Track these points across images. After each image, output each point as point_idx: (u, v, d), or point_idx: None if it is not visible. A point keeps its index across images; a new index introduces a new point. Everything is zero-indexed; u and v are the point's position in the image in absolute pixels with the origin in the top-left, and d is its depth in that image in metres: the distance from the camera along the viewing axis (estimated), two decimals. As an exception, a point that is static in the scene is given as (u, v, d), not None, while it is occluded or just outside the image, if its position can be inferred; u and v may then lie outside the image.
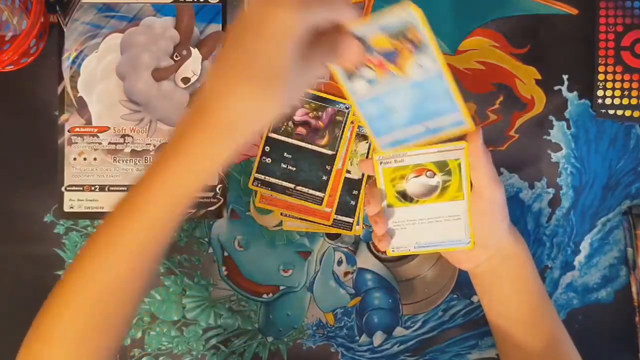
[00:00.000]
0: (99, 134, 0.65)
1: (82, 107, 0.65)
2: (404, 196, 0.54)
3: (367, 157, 0.64)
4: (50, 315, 0.51)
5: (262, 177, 0.64)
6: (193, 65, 0.65)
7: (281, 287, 0.66)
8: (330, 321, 0.66)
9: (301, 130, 0.64)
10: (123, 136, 0.65)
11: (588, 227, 0.65)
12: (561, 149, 0.65)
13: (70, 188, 0.65)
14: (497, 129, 0.65)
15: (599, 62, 0.63)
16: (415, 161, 0.53)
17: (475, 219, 0.54)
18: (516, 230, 0.58)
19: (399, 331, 0.65)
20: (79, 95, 0.65)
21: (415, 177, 0.54)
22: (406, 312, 0.66)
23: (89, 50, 0.65)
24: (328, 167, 0.64)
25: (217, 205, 0.65)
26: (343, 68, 0.47)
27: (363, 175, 0.64)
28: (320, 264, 0.65)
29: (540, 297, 0.59)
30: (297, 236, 0.65)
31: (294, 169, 0.64)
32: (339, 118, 0.64)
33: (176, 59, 0.65)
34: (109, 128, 0.65)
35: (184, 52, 0.65)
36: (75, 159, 0.65)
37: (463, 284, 0.65)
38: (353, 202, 0.64)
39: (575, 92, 0.65)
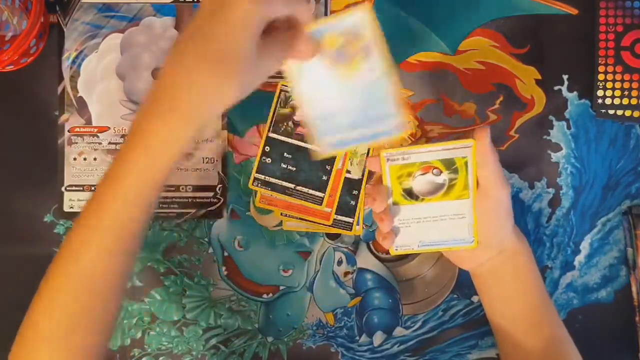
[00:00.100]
0: (99, 134, 0.65)
1: (82, 107, 0.65)
2: (410, 194, 0.54)
3: (367, 157, 0.64)
4: (35, 318, 0.51)
5: (262, 177, 0.64)
6: (193, 65, 0.65)
7: (281, 287, 0.66)
8: (330, 321, 0.66)
9: (301, 130, 0.64)
10: (123, 136, 0.65)
11: (588, 227, 0.65)
12: (561, 149, 0.65)
13: (70, 188, 0.65)
14: (497, 129, 0.65)
15: (599, 62, 0.63)
16: (422, 159, 0.53)
17: (480, 218, 0.54)
18: (519, 230, 0.58)
19: (399, 331, 0.65)
20: (79, 95, 0.65)
21: (422, 174, 0.53)
22: (406, 312, 0.66)
23: (89, 50, 0.65)
24: (328, 167, 0.64)
25: (217, 205, 0.65)
26: (295, 65, 0.48)
27: (363, 175, 0.64)
28: (320, 264, 0.65)
29: (541, 297, 0.59)
30: (297, 236, 0.65)
31: (294, 169, 0.64)
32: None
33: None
34: (109, 128, 0.65)
35: (184, 52, 0.65)
36: (75, 159, 0.65)
37: (463, 284, 0.65)
38: (353, 202, 0.64)
39: (575, 92, 0.65)
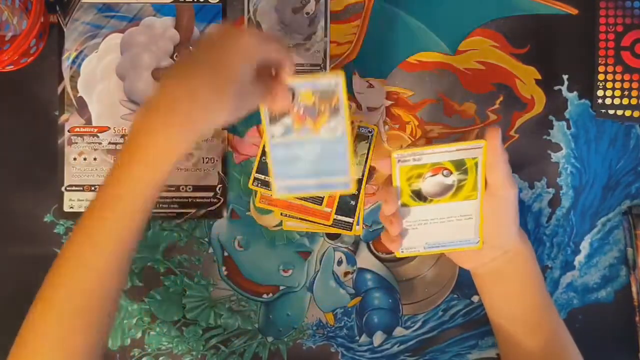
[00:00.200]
0: (99, 134, 0.65)
1: (82, 107, 0.65)
2: (418, 195, 0.54)
3: (366, 157, 0.64)
4: (34, 319, 0.52)
5: (262, 177, 0.64)
6: (193, 65, 0.65)
7: (281, 287, 0.66)
8: (330, 321, 0.66)
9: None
10: (123, 136, 0.65)
11: (588, 227, 0.65)
12: (561, 149, 0.65)
13: (70, 188, 0.65)
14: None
15: (599, 62, 0.63)
16: (433, 160, 0.53)
17: (487, 219, 0.54)
18: (522, 231, 0.58)
19: (399, 331, 0.65)
20: (79, 95, 0.65)
21: (432, 175, 0.53)
22: (406, 312, 0.66)
23: (89, 50, 0.65)
24: (328, 167, 0.64)
25: (217, 205, 0.65)
26: (269, 110, 0.54)
27: (363, 175, 0.64)
28: (320, 264, 0.65)
29: (542, 297, 0.59)
30: (297, 236, 0.65)
31: (294, 169, 0.64)
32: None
33: (176, 59, 0.65)
34: (109, 128, 0.65)
35: (184, 52, 0.65)
36: (75, 159, 0.65)
37: (463, 284, 0.65)
38: (353, 202, 0.64)
39: (575, 92, 0.65)
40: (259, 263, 0.65)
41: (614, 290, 0.65)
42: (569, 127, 0.65)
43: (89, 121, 0.65)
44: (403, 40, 0.65)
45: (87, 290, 0.51)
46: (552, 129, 0.65)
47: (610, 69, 0.63)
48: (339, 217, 0.64)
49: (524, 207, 0.65)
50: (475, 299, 0.65)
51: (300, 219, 0.65)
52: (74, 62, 0.65)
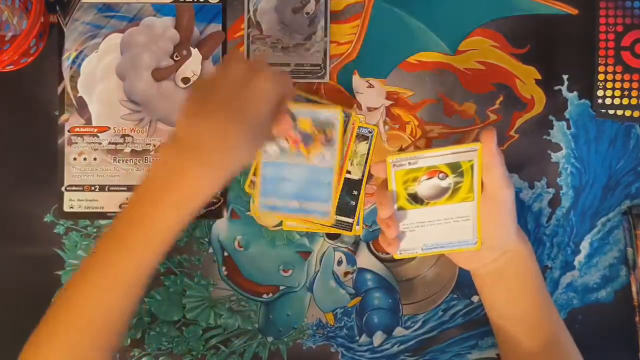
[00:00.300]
0: (99, 134, 0.65)
1: (82, 107, 0.65)
2: (415, 198, 0.54)
3: (367, 157, 0.64)
4: (42, 338, 0.53)
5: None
6: (193, 65, 0.65)
7: (281, 287, 0.66)
8: (330, 321, 0.66)
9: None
10: (123, 136, 0.65)
11: (588, 227, 0.65)
12: (561, 149, 0.65)
13: (70, 188, 0.65)
14: (497, 129, 0.64)
15: (599, 62, 0.63)
16: (429, 163, 0.53)
17: (484, 220, 0.54)
18: (522, 231, 0.58)
19: (399, 331, 0.65)
20: (79, 95, 0.65)
21: (427, 179, 0.53)
22: (406, 312, 0.66)
23: (89, 50, 0.65)
24: (328, 167, 0.64)
25: (217, 205, 0.65)
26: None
27: (363, 175, 0.64)
28: (320, 264, 0.65)
29: (542, 297, 0.59)
30: (297, 236, 0.65)
31: (294, 169, 0.64)
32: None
33: (176, 59, 0.65)
34: (109, 128, 0.65)
35: (184, 52, 0.65)
36: (75, 159, 0.65)
37: (463, 284, 0.65)
38: (353, 203, 0.64)
39: (575, 92, 0.65)
40: (259, 263, 0.65)
41: (614, 290, 0.65)
42: (569, 127, 0.65)
43: (89, 121, 0.65)
44: (403, 40, 0.65)
45: (97, 316, 0.53)
46: (552, 129, 0.65)
47: (610, 69, 0.63)
48: (339, 218, 0.64)
49: (524, 207, 0.65)
50: (475, 299, 0.65)
51: (300, 219, 0.64)
52: (74, 62, 0.65)
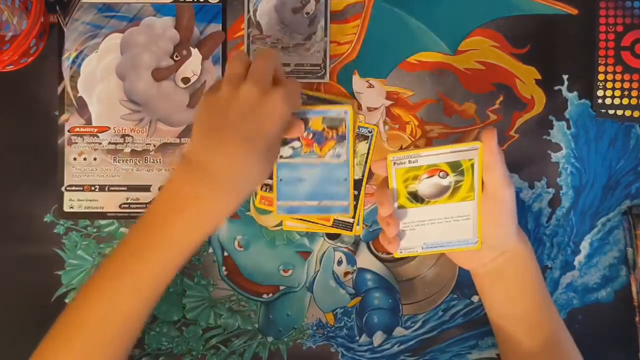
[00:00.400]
0: (99, 134, 0.65)
1: (82, 107, 0.65)
2: (415, 197, 0.54)
3: (367, 157, 0.64)
4: (54, 345, 0.53)
5: (262, 177, 0.64)
6: (193, 65, 0.65)
7: (281, 287, 0.66)
8: (330, 321, 0.66)
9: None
10: (123, 136, 0.65)
11: (588, 227, 0.65)
12: (561, 149, 0.65)
13: (70, 188, 0.65)
14: (497, 129, 0.65)
15: (599, 62, 0.63)
16: (429, 162, 0.53)
17: (484, 219, 0.54)
18: (522, 230, 0.58)
19: (399, 331, 0.65)
20: (79, 95, 0.65)
21: (428, 177, 0.53)
22: (406, 312, 0.66)
23: (89, 50, 0.65)
24: (328, 167, 0.64)
25: (217, 205, 0.65)
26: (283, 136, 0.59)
27: (363, 175, 0.64)
28: (320, 264, 0.65)
29: (542, 297, 0.59)
30: (297, 236, 0.65)
31: (294, 169, 0.64)
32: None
33: (176, 59, 0.65)
34: (109, 128, 0.65)
35: (184, 52, 0.65)
36: (75, 159, 0.65)
37: (463, 284, 0.65)
38: (354, 202, 0.64)
39: (575, 92, 0.65)
40: (259, 263, 0.65)
41: (614, 290, 0.65)
42: (569, 127, 0.65)
43: (89, 121, 0.65)
44: (403, 40, 0.65)
45: (109, 327, 0.53)
46: (552, 129, 0.65)
47: (610, 69, 0.63)
48: (339, 218, 0.64)
49: (524, 207, 0.65)
50: (475, 299, 0.65)
51: (300, 219, 0.65)
52: (74, 62, 0.65)
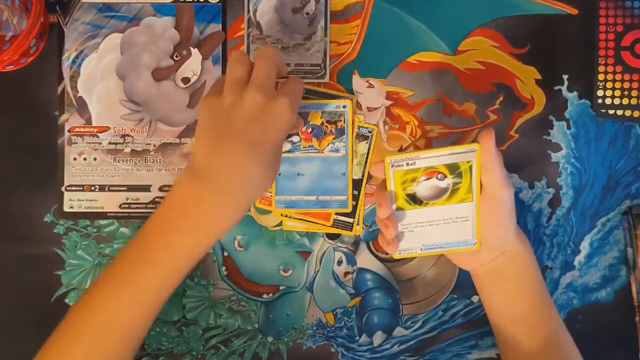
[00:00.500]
0: (99, 134, 0.65)
1: (82, 107, 0.65)
2: (413, 199, 0.54)
3: (367, 157, 0.64)
4: (56, 351, 0.53)
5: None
6: (193, 65, 0.65)
7: (281, 287, 0.66)
8: (330, 321, 0.66)
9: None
10: (123, 136, 0.65)
11: (588, 227, 0.65)
12: (561, 149, 0.65)
13: (70, 188, 0.65)
14: (497, 129, 0.64)
15: (599, 62, 0.63)
16: (427, 164, 0.53)
17: (483, 220, 0.54)
18: (521, 231, 0.58)
19: (399, 331, 0.65)
20: (79, 95, 0.65)
21: (426, 179, 0.53)
22: (406, 312, 0.66)
23: (89, 50, 0.65)
24: (328, 167, 0.64)
25: (217, 205, 0.65)
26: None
27: (363, 175, 0.64)
28: (320, 264, 0.65)
29: (542, 297, 0.59)
30: (297, 236, 0.65)
31: (294, 169, 0.64)
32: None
33: (176, 59, 0.65)
34: (109, 128, 0.65)
35: (184, 52, 0.65)
36: (75, 159, 0.65)
37: (463, 284, 0.65)
38: (353, 202, 0.64)
39: (575, 92, 0.65)
40: (259, 263, 0.65)
41: (614, 290, 0.65)
42: (569, 127, 0.65)
43: (89, 121, 0.65)
44: (403, 40, 0.65)
45: (112, 334, 0.53)
46: (552, 129, 0.65)
47: (610, 69, 0.63)
48: (339, 217, 0.64)
49: (524, 207, 0.65)
50: (475, 299, 0.65)
51: (300, 219, 0.65)
52: (74, 62, 0.65)
